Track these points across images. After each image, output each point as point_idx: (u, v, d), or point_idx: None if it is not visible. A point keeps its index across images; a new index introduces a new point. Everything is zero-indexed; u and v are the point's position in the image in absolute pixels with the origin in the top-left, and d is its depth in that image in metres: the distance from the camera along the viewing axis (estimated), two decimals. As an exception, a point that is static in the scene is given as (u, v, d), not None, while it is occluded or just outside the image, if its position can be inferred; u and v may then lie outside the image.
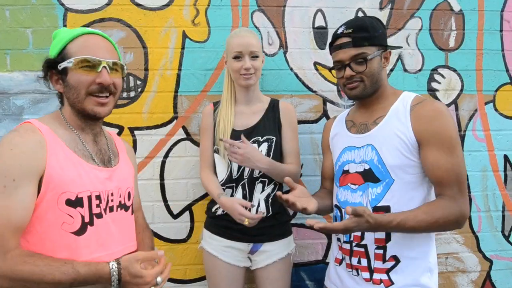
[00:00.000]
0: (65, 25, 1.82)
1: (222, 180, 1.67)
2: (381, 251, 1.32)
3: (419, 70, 2.00)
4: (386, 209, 1.32)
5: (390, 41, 1.95)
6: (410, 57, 1.99)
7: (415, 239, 1.30)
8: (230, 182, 1.66)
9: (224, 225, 1.65)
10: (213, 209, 1.70)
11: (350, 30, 1.36)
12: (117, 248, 1.10)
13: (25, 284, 0.93)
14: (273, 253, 1.65)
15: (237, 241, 1.63)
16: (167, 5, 1.86)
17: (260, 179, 1.65)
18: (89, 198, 1.04)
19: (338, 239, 1.46)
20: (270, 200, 1.65)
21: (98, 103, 1.07)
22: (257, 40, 1.64)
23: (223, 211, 1.66)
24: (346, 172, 1.45)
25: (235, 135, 1.65)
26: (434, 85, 2.01)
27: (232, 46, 1.62)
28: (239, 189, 1.64)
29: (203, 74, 1.90)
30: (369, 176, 1.37)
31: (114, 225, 1.11)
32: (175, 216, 1.90)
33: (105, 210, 1.09)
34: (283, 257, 1.66)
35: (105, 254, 1.06)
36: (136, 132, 1.87)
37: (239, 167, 1.64)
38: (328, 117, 1.96)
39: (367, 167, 1.37)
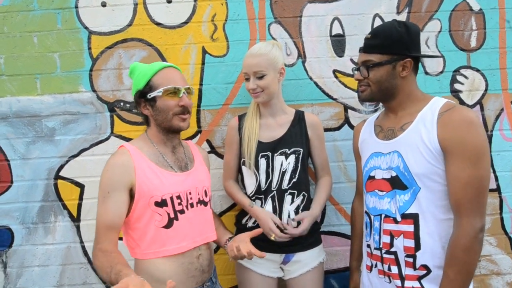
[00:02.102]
0: (89, 48, 1.89)
1: (252, 192, 1.69)
2: (411, 259, 1.32)
3: (441, 72, 1.98)
4: (415, 216, 1.32)
5: (410, 45, 1.94)
6: (430, 60, 1.96)
7: (444, 249, 1.29)
8: (259, 194, 1.69)
9: (255, 237, 1.66)
10: (244, 221, 1.73)
11: (369, 36, 1.41)
12: (199, 237, 1.41)
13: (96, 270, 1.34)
14: (306, 262, 1.67)
15: (269, 252, 1.64)
16: (186, 22, 1.91)
17: (289, 190, 1.67)
18: (171, 198, 1.34)
19: (368, 246, 1.46)
20: (300, 211, 1.67)
21: (181, 119, 1.39)
22: (265, 58, 1.62)
23: (254, 222, 1.68)
24: (372, 178, 1.46)
25: (262, 147, 1.68)
26: (457, 86, 1.98)
27: (242, 66, 1.68)
28: (269, 201, 1.66)
29: (224, 88, 1.93)
30: (396, 183, 1.37)
31: (195, 218, 1.40)
32: (203, 228, 1.94)
33: (186, 206, 1.38)
34: (316, 266, 1.68)
35: (188, 243, 1.37)
36: (161, 148, 1.91)
37: (267, 178, 1.67)
38: (350, 124, 1.96)
39: (394, 174, 1.37)
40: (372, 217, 1.45)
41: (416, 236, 1.31)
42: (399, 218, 1.34)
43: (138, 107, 1.41)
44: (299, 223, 1.63)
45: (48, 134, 1.88)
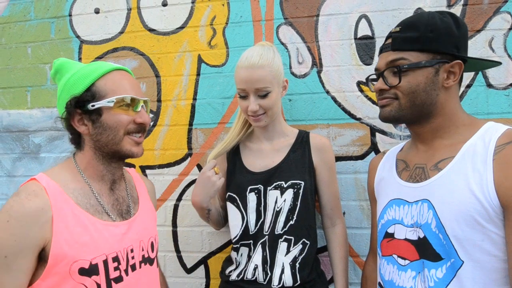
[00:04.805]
0: (80, 58, 1.72)
1: (236, 236, 1.34)
2: None
3: (511, 85, 1.43)
4: (453, 306, 0.86)
5: (465, 48, 1.44)
6: (496, 68, 1.43)
7: None
8: (246, 239, 1.32)
9: None
10: (227, 271, 1.37)
11: (398, 29, 0.98)
12: None
13: None
14: None
15: None
16: (182, 27, 1.65)
17: (285, 236, 1.29)
18: (105, 262, 0.93)
19: None
20: (297, 265, 1.27)
21: (135, 143, 1.00)
22: (268, 71, 1.25)
23: (237, 275, 1.32)
24: (391, 236, 1.02)
25: (255, 178, 1.33)
26: (537, 104, 1.42)
27: (236, 80, 1.30)
28: (258, 249, 1.30)
29: (220, 103, 1.62)
30: (425, 250, 0.92)
31: (139, 286, 1.01)
32: (188, 270, 1.62)
33: (126, 271, 0.98)
34: None
35: None
36: (148, 172, 1.66)
37: (258, 219, 1.31)
38: (378, 152, 1.51)
39: (421, 234, 0.93)
40: (388, 294, 1.01)
41: None
42: None
43: (70, 121, 0.96)
44: None
45: (34, 150, 1.75)
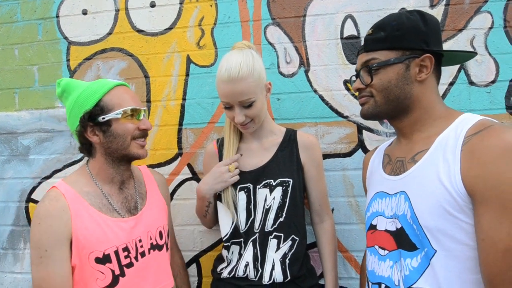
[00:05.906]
0: (68, 59, 1.72)
1: (227, 234, 1.35)
2: None
3: (492, 82, 1.48)
4: (426, 295, 0.88)
5: (447, 47, 1.49)
6: (477, 65, 1.48)
7: None
8: (237, 237, 1.34)
9: None
10: (219, 269, 1.39)
11: (370, 31, 1.04)
12: None
13: None
14: None
15: None
16: (170, 28, 1.66)
17: (274, 233, 1.30)
18: (116, 252, 1.11)
19: None
20: (287, 261, 1.30)
21: (141, 146, 1.17)
22: (250, 81, 1.21)
23: (229, 273, 1.34)
24: (374, 228, 1.06)
25: (244, 177, 1.34)
26: (517, 100, 1.47)
27: (218, 92, 1.28)
28: (249, 246, 1.31)
29: (210, 103, 1.63)
30: (402, 240, 0.95)
31: (147, 269, 1.18)
32: (180, 269, 1.64)
33: (136, 257, 1.15)
34: None
35: None
36: (138, 172, 1.67)
37: (248, 217, 1.33)
38: (365, 149, 1.54)
39: (399, 225, 0.96)
40: (370, 284, 1.04)
41: None
42: None
43: (83, 133, 1.12)
44: None
45: (23, 152, 1.74)
